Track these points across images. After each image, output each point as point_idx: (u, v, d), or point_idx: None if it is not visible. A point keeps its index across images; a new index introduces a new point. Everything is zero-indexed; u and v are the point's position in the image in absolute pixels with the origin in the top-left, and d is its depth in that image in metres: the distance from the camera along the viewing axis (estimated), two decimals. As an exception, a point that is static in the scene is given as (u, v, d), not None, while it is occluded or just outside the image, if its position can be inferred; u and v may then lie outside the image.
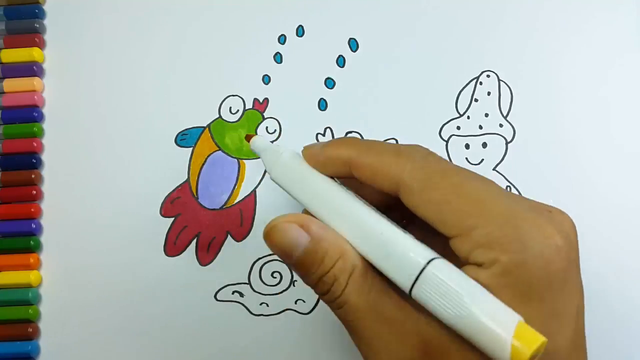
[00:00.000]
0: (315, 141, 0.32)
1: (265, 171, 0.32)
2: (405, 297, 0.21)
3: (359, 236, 0.22)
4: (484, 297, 0.19)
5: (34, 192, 0.32)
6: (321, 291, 0.22)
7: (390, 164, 0.21)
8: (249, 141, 0.26)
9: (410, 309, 0.21)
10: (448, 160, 0.22)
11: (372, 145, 0.23)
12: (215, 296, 0.31)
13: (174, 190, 0.32)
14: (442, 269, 0.19)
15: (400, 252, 0.20)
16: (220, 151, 0.32)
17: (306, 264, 0.22)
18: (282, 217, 0.22)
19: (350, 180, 0.23)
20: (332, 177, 0.23)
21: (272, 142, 0.32)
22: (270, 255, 0.31)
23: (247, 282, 0.31)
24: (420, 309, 0.20)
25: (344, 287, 0.21)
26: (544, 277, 0.19)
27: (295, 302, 0.31)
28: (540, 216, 0.20)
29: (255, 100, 0.33)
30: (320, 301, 0.31)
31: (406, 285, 0.20)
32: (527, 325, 0.18)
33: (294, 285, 0.31)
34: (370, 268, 0.22)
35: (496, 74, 0.32)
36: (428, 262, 0.20)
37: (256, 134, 0.29)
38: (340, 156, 0.23)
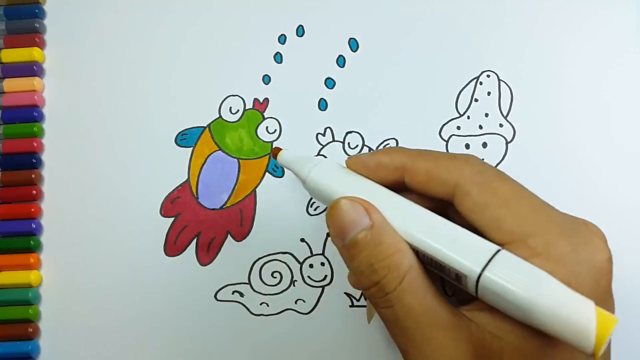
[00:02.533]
0: (316, 141, 0.32)
1: (265, 171, 0.32)
2: (455, 304, 0.21)
3: (421, 226, 0.21)
4: (557, 281, 0.18)
5: (34, 192, 0.32)
6: (369, 281, 0.21)
7: (447, 167, 0.21)
8: (275, 156, 0.27)
9: (463, 316, 0.20)
10: None
11: (425, 152, 0.23)
12: (215, 296, 0.31)
13: (174, 190, 0.32)
14: (512, 254, 0.19)
15: (469, 237, 0.20)
16: (220, 151, 0.32)
17: (359, 246, 0.21)
18: (348, 196, 0.22)
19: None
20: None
21: (272, 142, 0.32)
22: (270, 255, 0.31)
23: (247, 282, 0.31)
24: (472, 316, 0.20)
25: (398, 283, 0.20)
26: (595, 290, 0.19)
27: (295, 302, 0.31)
28: (588, 228, 0.20)
29: (255, 100, 0.33)
30: (321, 301, 0.31)
31: (475, 269, 0.19)
32: (600, 308, 0.18)
33: (294, 285, 0.31)
34: (425, 272, 0.21)
35: (496, 74, 0.32)
36: (498, 250, 0.19)
37: (279, 148, 0.28)
38: (393, 162, 0.23)
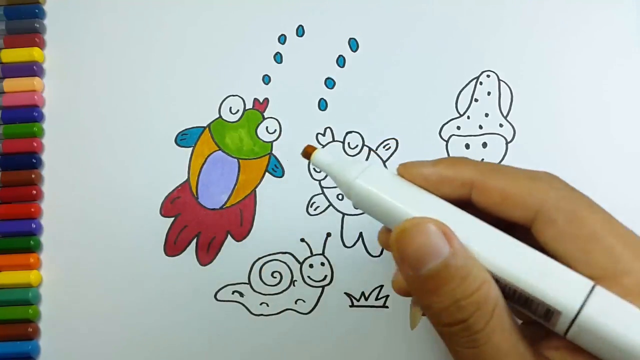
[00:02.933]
0: (316, 141, 0.32)
1: (265, 171, 0.32)
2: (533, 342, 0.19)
3: (507, 255, 0.18)
4: None
5: (34, 192, 0.32)
6: (453, 319, 0.18)
7: (529, 190, 0.19)
8: (308, 156, 0.22)
9: (543, 356, 0.18)
10: None
11: (498, 167, 0.21)
12: (215, 296, 0.31)
13: (174, 190, 0.32)
14: (609, 292, 0.17)
15: (560, 270, 0.18)
16: (220, 151, 0.32)
17: (441, 278, 0.18)
18: (422, 218, 0.19)
19: None
20: None
21: (272, 142, 0.32)
22: (270, 255, 0.31)
23: (247, 282, 0.31)
24: (552, 357, 0.18)
25: (487, 321, 0.18)
26: None
27: (295, 302, 0.31)
28: None
29: (255, 100, 0.33)
30: (320, 301, 0.31)
31: (573, 306, 0.17)
32: None
33: (294, 285, 0.31)
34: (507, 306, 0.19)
35: (496, 74, 0.32)
36: (594, 286, 0.17)
37: (312, 146, 0.23)
38: (459, 176, 0.20)
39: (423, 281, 0.18)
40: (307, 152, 0.22)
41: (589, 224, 0.18)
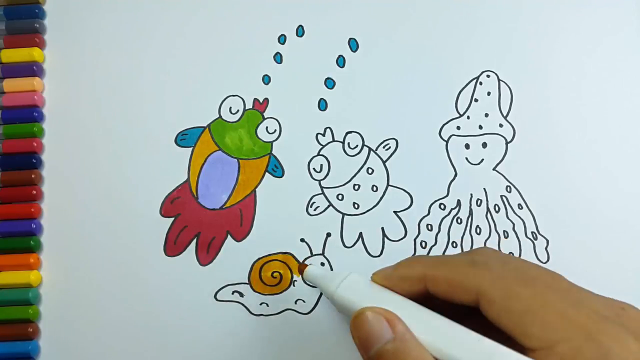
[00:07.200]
0: (317, 143, 0.32)
1: (265, 171, 0.32)
2: None
3: (455, 344, 0.21)
4: None
5: (34, 192, 0.32)
6: None
7: (468, 275, 0.22)
8: (301, 273, 0.28)
9: None
10: (519, 257, 0.22)
11: (444, 259, 0.23)
12: (215, 296, 0.31)
13: (174, 190, 0.32)
14: None
15: (504, 353, 0.20)
16: (220, 151, 0.32)
17: (384, 358, 0.21)
18: (371, 307, 0.23)
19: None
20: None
21: (272, 142, 0.32)
22: (270, 255, 0.31)
23: (247, 282, 0.31)
24: None
25: None
26: None
27: (295, 302, 0.31)
28: (619, 326, 0.20)
29: (255, 100, 0.33)
30: (320, 301, 0.31)
31: None
32: None
33: (294, 285, 0.31)
34: None
35: (496, 74, 0.32)
36: None
37: (305, 264, 0.29)
38: (413, 273, 0.23)
39: None
40: (300, 269, 0.28)
41: (522, 299, 0.20)
